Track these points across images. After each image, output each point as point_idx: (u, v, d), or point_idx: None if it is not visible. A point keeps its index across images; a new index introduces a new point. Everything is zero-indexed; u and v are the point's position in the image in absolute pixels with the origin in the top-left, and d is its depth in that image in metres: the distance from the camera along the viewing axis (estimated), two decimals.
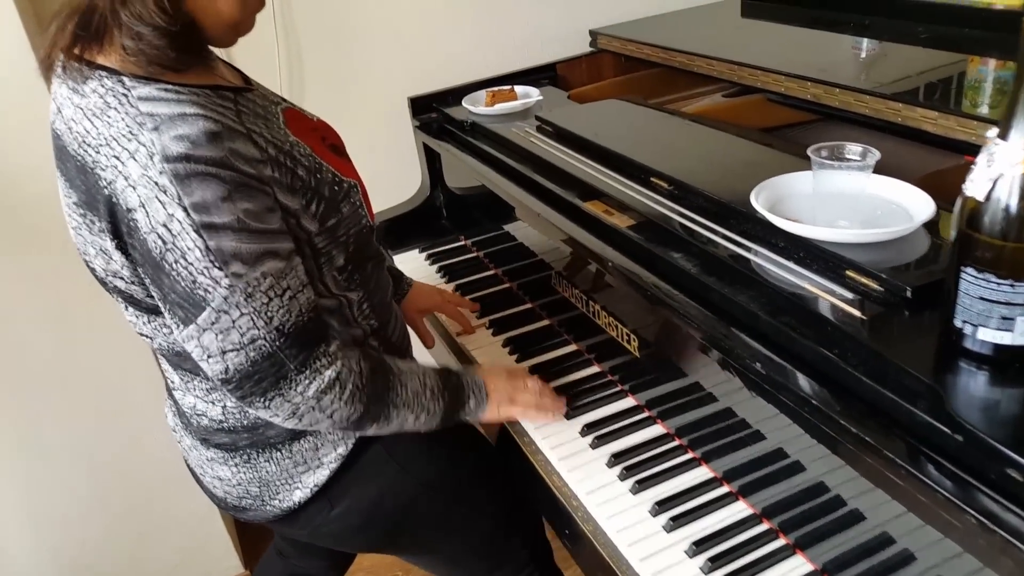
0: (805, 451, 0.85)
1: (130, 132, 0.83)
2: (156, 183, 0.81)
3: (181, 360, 1.00)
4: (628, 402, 1.15)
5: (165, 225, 0.82)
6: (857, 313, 0.78)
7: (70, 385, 1.67)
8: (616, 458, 1.04)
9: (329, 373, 0.92)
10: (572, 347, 1.29)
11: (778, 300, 0.85)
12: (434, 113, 1.75)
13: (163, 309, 0.89)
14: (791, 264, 0.88)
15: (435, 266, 1.66)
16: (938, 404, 0.66)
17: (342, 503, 1.07)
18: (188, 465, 1.16)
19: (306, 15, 1.76)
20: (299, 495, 1.05)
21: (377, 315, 1.09)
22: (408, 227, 1.75)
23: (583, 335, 1.27)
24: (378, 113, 1.85)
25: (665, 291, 0.96)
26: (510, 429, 1.16)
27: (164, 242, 0.83)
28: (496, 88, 1.68)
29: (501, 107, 1.60)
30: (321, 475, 1.05)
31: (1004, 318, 0.66)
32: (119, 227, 0.85)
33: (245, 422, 1.03)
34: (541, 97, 1.62)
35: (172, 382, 1.09)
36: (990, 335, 0.67)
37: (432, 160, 1.76)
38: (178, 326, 0.87)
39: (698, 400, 1.00)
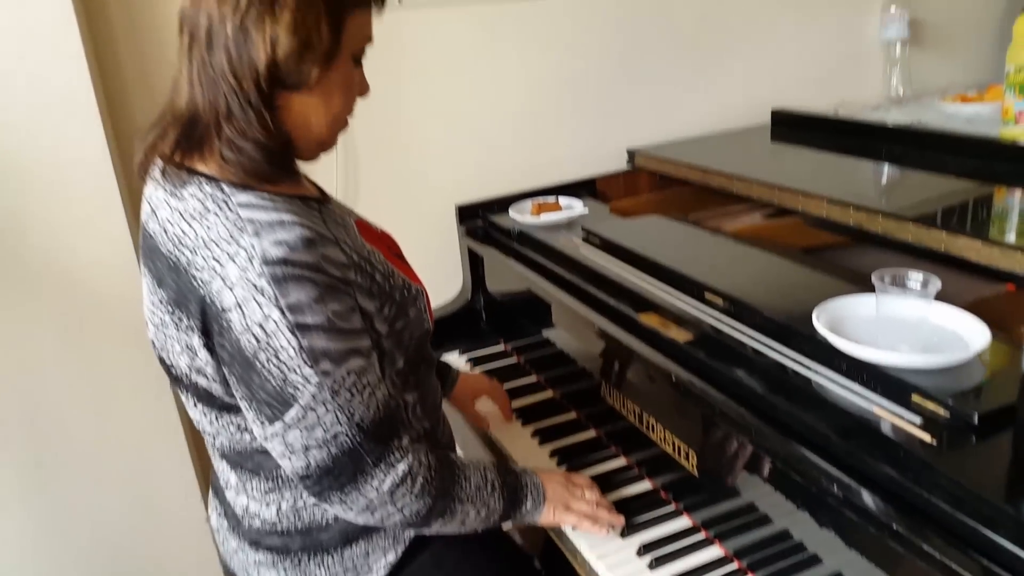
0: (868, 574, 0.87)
1: (230, 236, 0.87)
2: (255, 284, 0.85)
3: (242, 459, 1.03)
4: (684, 521, 1.15)
5: (261, 325, 0.86)
6: (927, 438, 0.81)
7: (104, 477, 1.69)
8: None
9: (402, 467, 0.95)
10: (622, 461, 1.30)
11: (847, 422, 0.88)
12: (479, 220, 1.83)
13: (247, 407, 0.91)
14: (856, 386, 0.91)
15: (477, 369, 1.69)
16: (1020, 532, 0.68)
17: None
18: (229, 569, 1.15)
19: (363, 125, 1.85)
20: None
21: (429, 417, 1.12)
22: (448, 329, 1.79)
23: (634, 449, 1.28)
24: (424, 219, 1.92)
25: (733, 409, 0.98)
26: (561, 546, 1.16)
27: (258, 341, 0.86)
28: (541, 199, 1.76)
29: (547, 217, 1.67)
30: None
31: None
32: (210, 326, 0.89)
33: (299, 525, 1.04)
34: (586, 210, 1.69)
35: (226, 482, 1.10)
36: None
37: (475, 265, 1.82)
38: (263, 424, 0.90)
39: (757, 521, 1.02)
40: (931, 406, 0.84)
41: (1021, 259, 1.09)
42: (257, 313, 0.86)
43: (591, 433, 1.39)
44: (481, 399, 1.48)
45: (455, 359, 1.75)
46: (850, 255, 1.42)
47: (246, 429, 0.99)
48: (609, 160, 2.03)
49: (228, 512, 1.11)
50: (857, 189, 1.53)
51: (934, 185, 1.48)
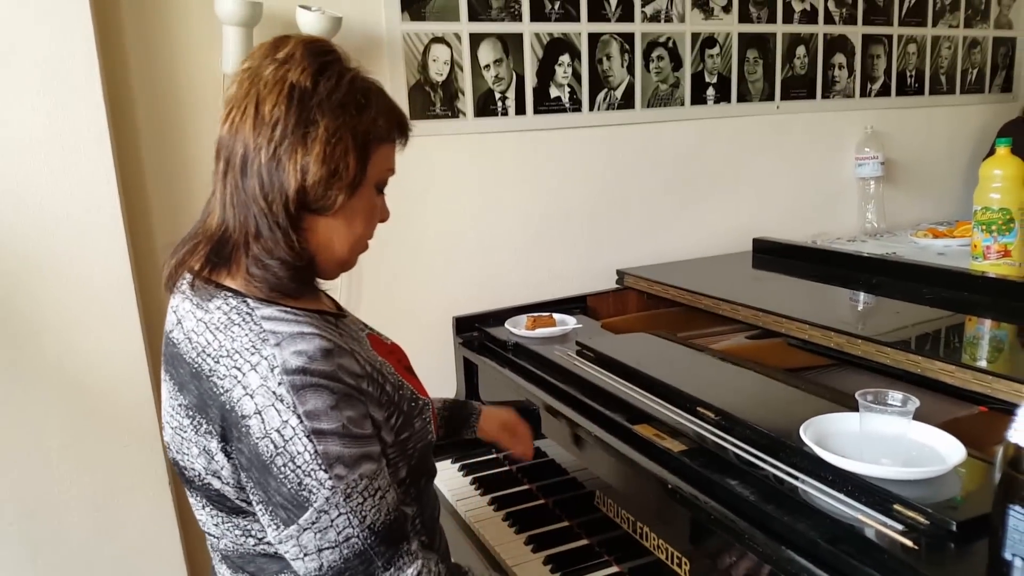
0: None
1: (253, 347, 0.91)
2: (274, 392, 0.89)
3: (244, 562, 1.04)
4: None
5: (278, 431, 0.89)
6: (910, 544, 0.87)
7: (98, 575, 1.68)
8: None
9: (411, 572, 0.96)
10: (615, 568, 1.33)
11: (834, 529, 0.93)
12: (475, 332, 1.90)
13: (263, 511, 0.93)
14: (842, 496, 0.97)
15: (469, 478, 1.72)
16: None
17: None
18: None
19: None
20: None
21: (427, 531, 1.14)
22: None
23: (627, 557, 1.31)
24: (421, 330, 1.99)
25: (727, 516, 1.03)
26: None
27: (275, 446, 0.89)
28: (536, 314, 1.84)
29: (542, 331, 1.75)
30: None
31: None
32: (229, 432, 0.92)
33: None
34: (579, 325, 1.77)
35: None
36: None
37: (470, 375, 1.88)
38: (278, 527, 0.92)
39: None
40: (912, 514, 0.90)
41: (993, 383, 1.17)
42: (275, 420, 0.89)
43: (584, 541, 1.42)
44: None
45: (448, 467, 1.78)
46: (832, 376, 1.49)
47: (251, 534, 1.01)
48: (599, 279, 2.14)
49: None
50: (836, 314, 1.63)
51: (909, 313, 1.57)
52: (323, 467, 0.90)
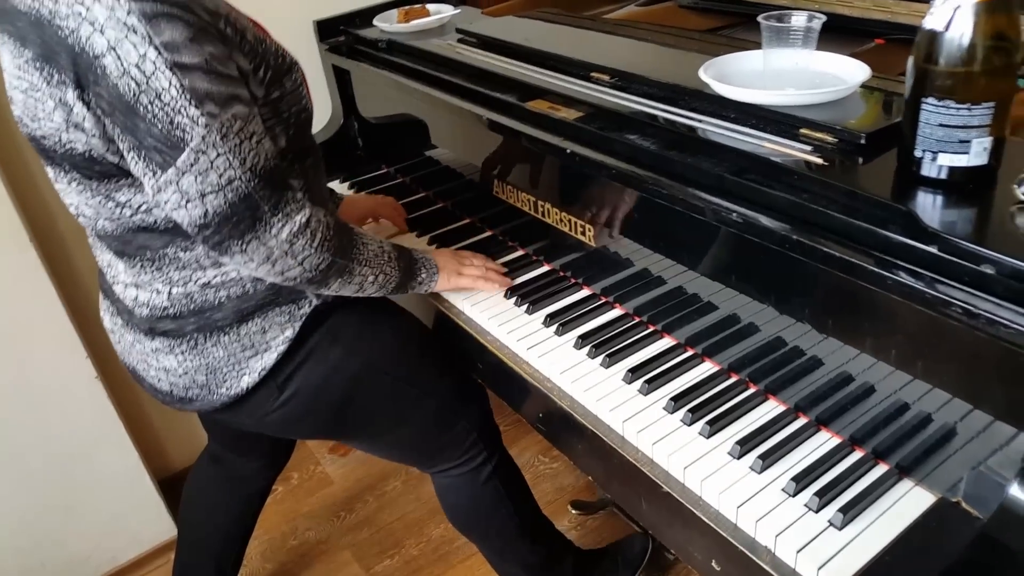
0: (757, 313, 0.92)
1: None
2: (124, 23, 0.81)
3: (126, 244, 1.00)
4: (584, 292, 1.18)
5: (138, 66, 0.82)
6: (820, 161, 0.84)
7: None
8: (583, 339, 1.07)
9: (299, 218, 0.94)
10: (519, 252, 1.31)
11: (740, 162, 0.89)
12: (342, 36, 1.71)
13: (137, 159, 0.88)
14: (747, 130, 0.92)
15: (362, 193, 1.63)
16: (912, 223, 0.72)
17: (290, 387, 1.08)
18: (129, 366, 1.13)
19: None
20: (247, 380, 1.05)
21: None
22: (325, 158, 1.70)
23: (531, 239, 1.29)
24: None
25: (629, 170, 0.98)
26: (470, 330, 1.17)
27: (137, 84, 0.82)
28: (407, 7, 1.66)
29: (417, 23, 1.58)
30: (269, 359, 1.04)
31: (961, 141, 0.72)
32: (84, 76, 0.84)
33: (191, 307, 1.02)
34: (458, 11, 1.61)
35: (114, 278, 1.07)
36: (948, 159, 0.74)
37: (343, 87, 1.72)
38: (155, 173, 0.87)
39: (652, 281, 1.06)
40: (820, 135, 0.87)
41: (893, 7, 1.11)
42: (132, 54, 0.82)
43: (488, 233, 1.38)
44: (369, 221, 1.45)
45: (337, 185, 1.68)
46: (729, 34, 1.41)
47: (126, 205, 0.95)
48: None
49: (120, 308, 1.09)
50: None
51: None
52: (193, 103, 0.84)
